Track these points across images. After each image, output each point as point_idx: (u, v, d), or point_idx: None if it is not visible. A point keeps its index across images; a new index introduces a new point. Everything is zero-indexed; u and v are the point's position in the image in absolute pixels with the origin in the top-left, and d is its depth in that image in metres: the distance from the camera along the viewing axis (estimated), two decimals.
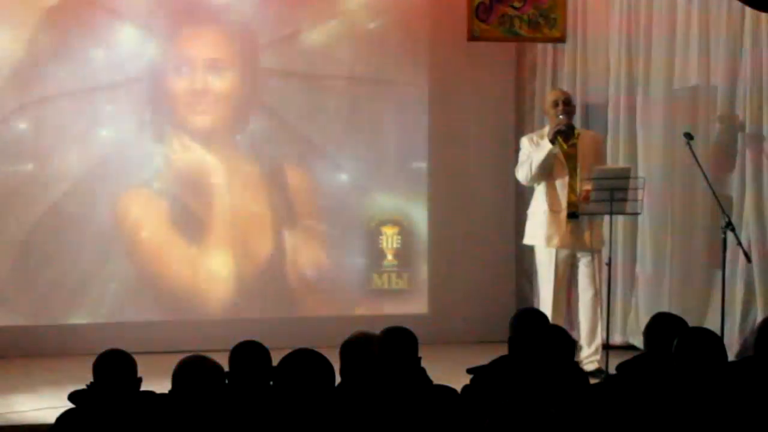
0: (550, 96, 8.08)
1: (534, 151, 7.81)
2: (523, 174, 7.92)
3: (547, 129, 7.92)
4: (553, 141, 7.71)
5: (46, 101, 8.52)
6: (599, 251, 7.88)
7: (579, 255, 7.86)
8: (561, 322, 7.71)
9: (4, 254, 8.49)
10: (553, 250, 7.81)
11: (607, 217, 7.78)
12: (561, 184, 7.78)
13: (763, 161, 7.96)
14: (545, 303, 7.86)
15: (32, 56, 8.45)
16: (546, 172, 7.79)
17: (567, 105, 7.84)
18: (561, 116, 7.78)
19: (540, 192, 7.88)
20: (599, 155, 8.01)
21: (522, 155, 7.97)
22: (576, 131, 7.88)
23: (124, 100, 8.68)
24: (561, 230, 7.77)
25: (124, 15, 8.65)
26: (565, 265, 7.86)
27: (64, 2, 8.55)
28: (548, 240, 7.80)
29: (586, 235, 7.78)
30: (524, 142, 8.01)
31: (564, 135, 7.76)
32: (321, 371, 4.00)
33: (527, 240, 8.10)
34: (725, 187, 8.10)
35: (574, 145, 7.81)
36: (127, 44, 8.72)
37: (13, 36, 8.45)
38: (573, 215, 7.76)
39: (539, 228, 7.87)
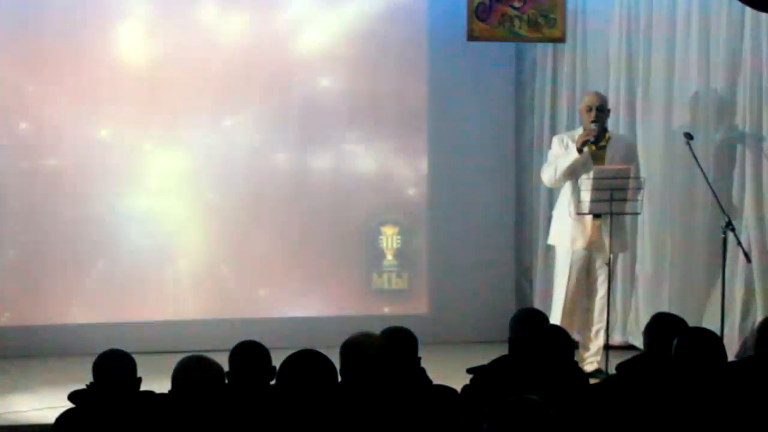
0: (585, 99, 7.97)
1: (562, 155, 7.78)
2: (547, 177, 7.92)
3: (579, 131, 7.88)
4: (580, 150, 7.68)
5: (45, 100, 8.54)
6: (617, 255, 7.85)
7: (595, 256, 7.84)
8: (573, 322, 7.71)
9: (4, 254, 8.49)
10: (571, 251, 7.81)
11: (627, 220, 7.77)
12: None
13: (763, 161, 7.96)
14: (557, 303, 7.86)
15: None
16: (572, 175, 7.77)
17: (600, 111, 7.76)
18: (592, 124, 7.72)
19: (566, 194, 7.85)
20: (629, 161, 7.81)
21: (550, 156, 7.95)
22: (607, 134, 7.83)
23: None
24: (586, 232, 7.76)
25: None
26: (581, 265, 7.85)
27: None
28: (573, 241, 7.79)
29: (608, 238, 7.73)
30: (554, 142, 7.96)
31: (593, 142, 7.74)
32: (324, 372, 4.00)
33: (551, 240, 8.10)
34: (725, 187, 8.10)
35: (603, 148, 7.78)
36: None
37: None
38: (596, 216, 7.73)
39: (564, 229, 7.85)
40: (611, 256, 7.71)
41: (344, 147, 9.13)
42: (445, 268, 9.26)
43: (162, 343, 8.05)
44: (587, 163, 7.70)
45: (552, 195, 8.62)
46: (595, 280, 7.86)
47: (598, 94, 7.99)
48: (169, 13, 8.76)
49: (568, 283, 7.82)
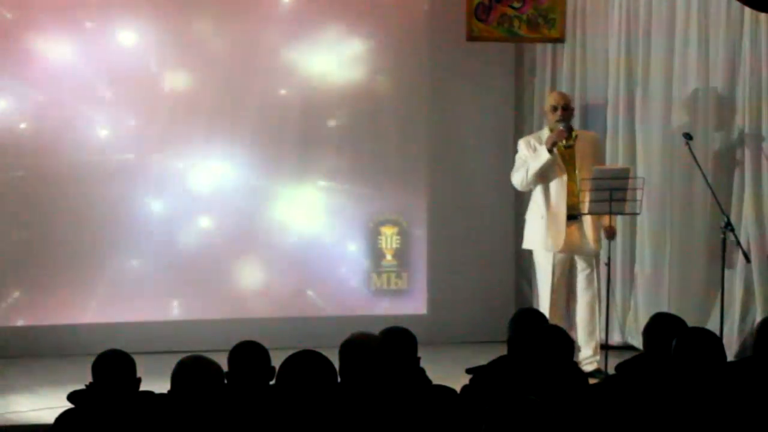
0: (549, 99, 8.03)
1: (531, 157, 7.77)
2: (518, 180, 7.89)
3: (545, 131, 7.88)
4: (550, 150, 7.68)
5: (46, 99, 8.54)
6: (597, 253, 7.85)
7: (577, 257, 7.85)
8: (562, 326, 7.71)
9: (4, 254, 8.49)
10: (551, 254, 7.80)
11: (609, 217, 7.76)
12: (559, 187, 7.75)
13: (763, 161, 7.97)
14: (543, 306, 7.85)
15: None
16: (543, 176, 7.77)
17: (565, 110, 7.79)
18: (560, 124, 7.72)
19: (537, 195, 7.83)
20: (598, 156, 7.98)
21: (518, 159, 7.91)
22: (574, 132, 7.84)
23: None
24: (560, 233, 7.75)
25: None
26: (564, 267, 7.85)
27: None
28: (547, 244, 7.79)
29: (585, 238, 7.75)
30: (521, 145, 7.94)
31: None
32: (323, 372, 4.01)
33: (526, 244, 8.06)
34: (725, 187, 8.11)
35: (572, 147, 7.79)
36: None
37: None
38: (572, 217, 7.75)
39: (538, 232, 7.84)
40: (596, 256, 7.75)
41: (343, 147, 9.12)
42: (444, 268, 9.26)
43: (162, 343, 8.05)
44: (555, 160, 7.72)
45: None
46: (579, 283, 7.87)
47: (562, 94, 8.06)
48: (168, 17, 8.77)
49: (552, 285, 7.82)
